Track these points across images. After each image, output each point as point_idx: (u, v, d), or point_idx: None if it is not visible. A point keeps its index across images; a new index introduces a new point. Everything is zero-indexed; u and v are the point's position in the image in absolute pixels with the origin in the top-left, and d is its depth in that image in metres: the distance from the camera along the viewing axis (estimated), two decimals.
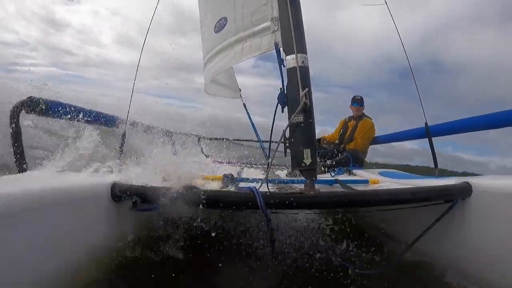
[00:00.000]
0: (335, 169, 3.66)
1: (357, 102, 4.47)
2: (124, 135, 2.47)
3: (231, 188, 1.91)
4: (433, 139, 2.97)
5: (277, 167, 4.83)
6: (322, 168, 3.83)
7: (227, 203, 1.48)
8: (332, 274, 1.83)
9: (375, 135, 4.45)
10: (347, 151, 4.19)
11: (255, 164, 5.27)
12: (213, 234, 1.69)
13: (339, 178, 2.56)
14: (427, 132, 2.80)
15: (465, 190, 1.69)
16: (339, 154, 4.20)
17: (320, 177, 2.96)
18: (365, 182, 2.59)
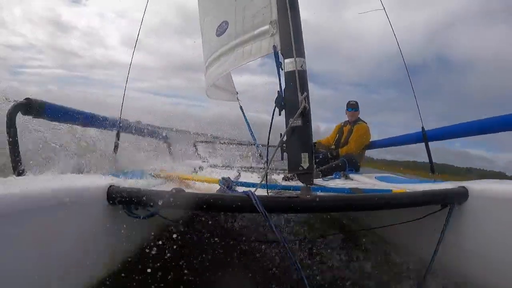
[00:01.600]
0: (331, 174, 3.65)
1: (352, 107, 4.48)
2: (118, 135, 2.41)
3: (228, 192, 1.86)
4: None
5: (274, 170, 4.80)
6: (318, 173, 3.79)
7: (224, 207, 1.44)
8: None
9: (371, 139, 4.43)
10: (341, 156, 4.18)
11: (251, 168, 5.24)
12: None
13: (359, 187, 2.42)
14: (424, 137, 2.77)
15: (462, 195, 1.66)
16: (333, 159, 4.20)
17: (335, 184, 2.93)
18: (388, 192, 2.19)
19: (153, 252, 1.76)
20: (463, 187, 1.68)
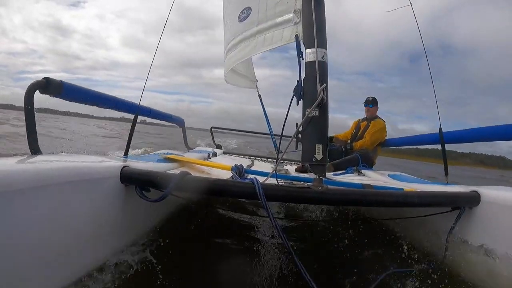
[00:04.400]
0: (344, 168, 3.64)
1: (369, 103, 4.47)
2: (135, 118, 2.43)
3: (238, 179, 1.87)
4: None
5: (286, 162, 4.81)
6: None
7: (227, 192, 1.47)
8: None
9: (387, 137, 4.39)
10: (355, 150, 4.15)
11: (265, 158, 5.27)
12: None
13: (371, 184, 2.39)
14: (441, 138, 2.71)
15: (473, 199, 1.64)
16: (346, 153, 4.19)
17: (347, 179, 2.92)
18: (400, 190, 2.14)
19: (165, 230, 1.80)
20: (475, 191, 1.67)
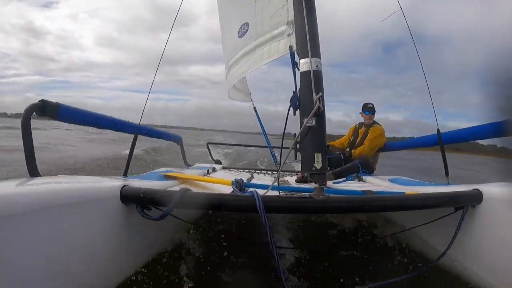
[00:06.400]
0: (344, 176, 3.60)
1: (369, 110, 4.42)
2: (135, 138, 2.41)
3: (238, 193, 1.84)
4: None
5: (286, 173, 4.76)
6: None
7: (228, 206, 1.44)
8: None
9: (385, 142, 4.35)
10: (355, 158, 4.11)
11: (264, 171, 5.22)
12: None
13: (373, 189, 2.36)
14: (439, 140, 2.70)
15: (476, 197, 1.61)
16: (346, 161, 4.14)
17: (348, 186, 2.89)
18: (401, 194, 2.12)
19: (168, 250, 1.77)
20: (477, 189, 1.63)
